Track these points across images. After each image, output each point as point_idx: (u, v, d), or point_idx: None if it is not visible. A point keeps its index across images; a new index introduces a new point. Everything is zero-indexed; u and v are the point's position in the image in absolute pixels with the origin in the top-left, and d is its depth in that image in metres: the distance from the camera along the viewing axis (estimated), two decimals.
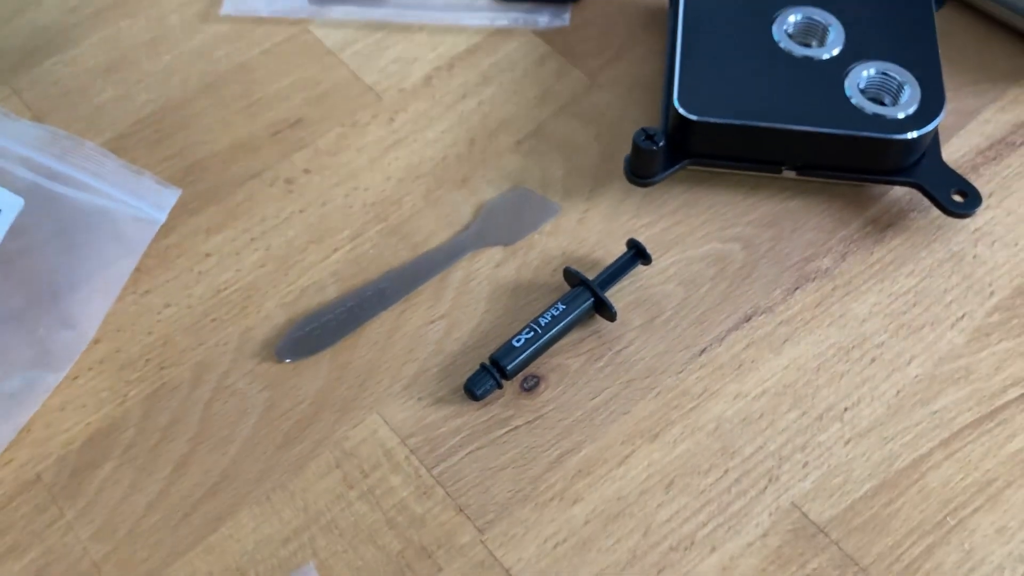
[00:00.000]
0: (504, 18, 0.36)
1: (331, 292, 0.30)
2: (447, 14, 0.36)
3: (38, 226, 0.30)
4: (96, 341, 0.29)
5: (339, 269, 0.30)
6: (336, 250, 0.31)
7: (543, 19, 0.36)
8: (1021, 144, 0.33)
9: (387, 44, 0.36)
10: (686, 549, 0.26)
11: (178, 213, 0.31)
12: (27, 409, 0.28)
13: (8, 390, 0.28)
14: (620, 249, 0.30)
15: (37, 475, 0.27)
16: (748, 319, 0.29)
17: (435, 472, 0.27)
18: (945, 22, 0.35)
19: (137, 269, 0.30)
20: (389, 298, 0.30)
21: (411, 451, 0.27)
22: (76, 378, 0.28)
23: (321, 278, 0.30)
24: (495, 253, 0.31)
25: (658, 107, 0.34)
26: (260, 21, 0.36)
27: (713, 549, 0.26)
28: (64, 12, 0.37)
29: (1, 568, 0.26)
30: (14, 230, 0.30)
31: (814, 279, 0.30)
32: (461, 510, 0.26)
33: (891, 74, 0.31)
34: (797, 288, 0.30)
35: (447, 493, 0.26)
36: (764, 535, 0.26)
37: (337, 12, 0.36)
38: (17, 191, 0.30)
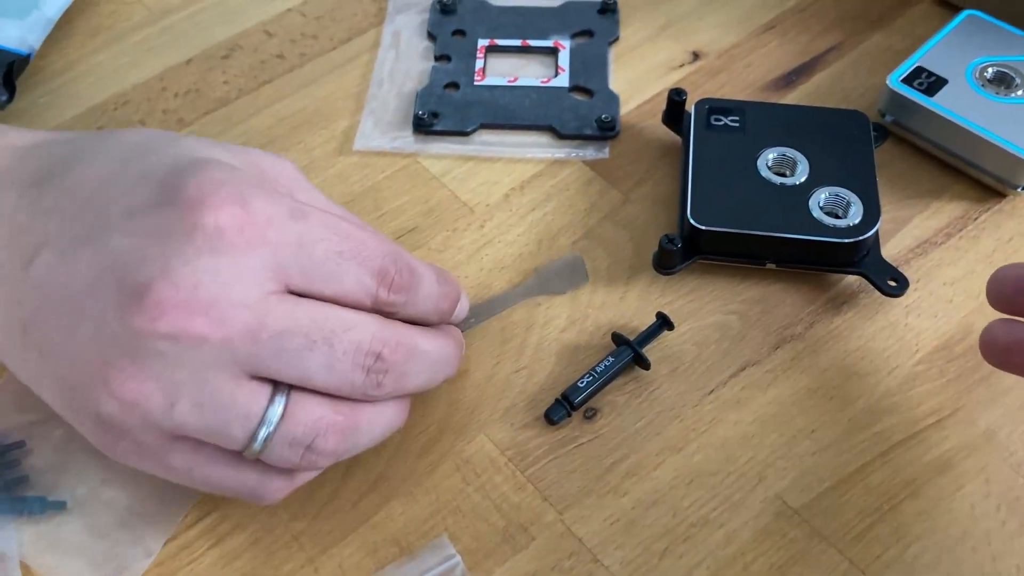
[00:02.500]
0: (560, 152, 0.49)
1: None
2: (517, 149, 0.49)
3: None
4: None
5: None
6: None
7: (589, 152, 0.49)
8: (940, 244, 0.45)
9: (475, 171, 0.48)
10: (702, 525, 0.37)
11: None
12: None
13: None
14: (651, 320, 0.42)
15: None
16: (743, 369, 0.41)
17: (526, 474, 0.38)
18: (885, 154, 0.48)
19: None
20: (473, 324, 0.42)
21: (508, 459, 0.39)
22: None
23: None
24: (561, 321, 0.43)
25: (674, 217, 0.46)
26: (382, 154, 0.49)
27: (721, 525, 0.37)
28: None
29: (231, 539, 0.37)
30: None
31: (790, 341, 0.42)
32: (545, 499, 0.38)
33: (841, 195, 0.43)
34: (778, 347, 0.42)
35: (535, 488, 0.38)
36: (756, 516, 0.37)
37: (437, 148, 0.49)
38: None
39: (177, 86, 0.52)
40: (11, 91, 0.49)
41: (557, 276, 0.43)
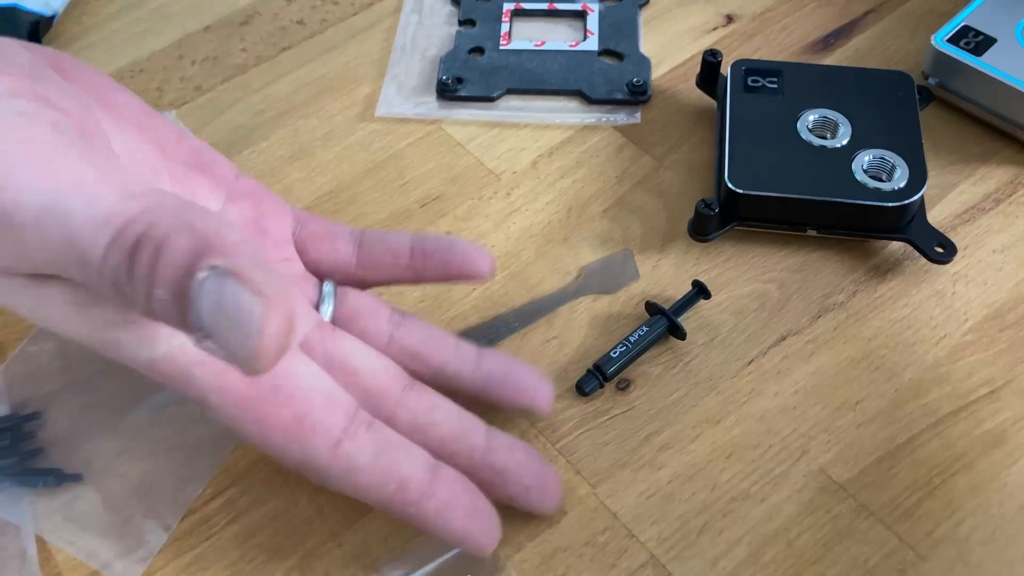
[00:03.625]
0: (590, 117, 0.47)
1: (473, 320, 0.40)
2: (546, 115, 0.47)
3: None
4: None
5: (478, 304, 0.41)
6: (474, 290, 0.41)
7: (620, 117, 0.47)
8: (989, 209, 0.43)
9: (502, 138, 0.47)
10: (743, 500, 0.35)
11: None
12: None
13: None
14: (686, 289, 0.40)
15: None
16: (783, 339, 0.39)
17: (558, 446, 0.37)
18: (929, 117, 0.46)
19: None
20: (515, 328, 0.40)
21: (539, 431, 0.37)
22: None
23: (465, 310, 0.41)
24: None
25: (709, 183, 0.44)
26: (405, 121, 0.48)
27: (762, 500, 0.35)
28: (253, 115, 0.48)
29: (251, 513, 0.36)
30: None
31: (832, 310, 0.40)
32: (578, 472, 0.36)
33: (886, 158, 0.41)
34: (819, 316, 0.40)
35: (567, 460, 0.36)
36: (799, 490, 0.35)
37: (461, 114, 0.47)
38: None
39: (194, 54, 0.51)
40: None
41: (606, 274, 0.41)
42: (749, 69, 0.45)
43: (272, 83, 0.49)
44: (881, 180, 0.41)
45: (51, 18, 0.50)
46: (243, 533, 0.35)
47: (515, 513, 0.35)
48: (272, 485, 0.36)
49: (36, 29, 0.49)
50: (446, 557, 0.34)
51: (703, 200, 0.40)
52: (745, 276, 0.41)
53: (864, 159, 0.41)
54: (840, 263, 0.41)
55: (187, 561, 0.35)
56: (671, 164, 0.45)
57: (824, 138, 0.42)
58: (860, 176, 0.40)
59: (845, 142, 0.42)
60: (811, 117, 0.43)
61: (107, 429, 0.37)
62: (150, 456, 0.37)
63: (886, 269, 0.41)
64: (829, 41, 0.50)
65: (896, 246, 0.42)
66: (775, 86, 0.44)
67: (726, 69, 0.46)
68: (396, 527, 0.35)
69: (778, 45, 0.50)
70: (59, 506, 0.36)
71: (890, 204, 0.40)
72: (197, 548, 0.35)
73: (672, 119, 0.47)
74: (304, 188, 0.45)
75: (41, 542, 0.35)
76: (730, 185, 0.40)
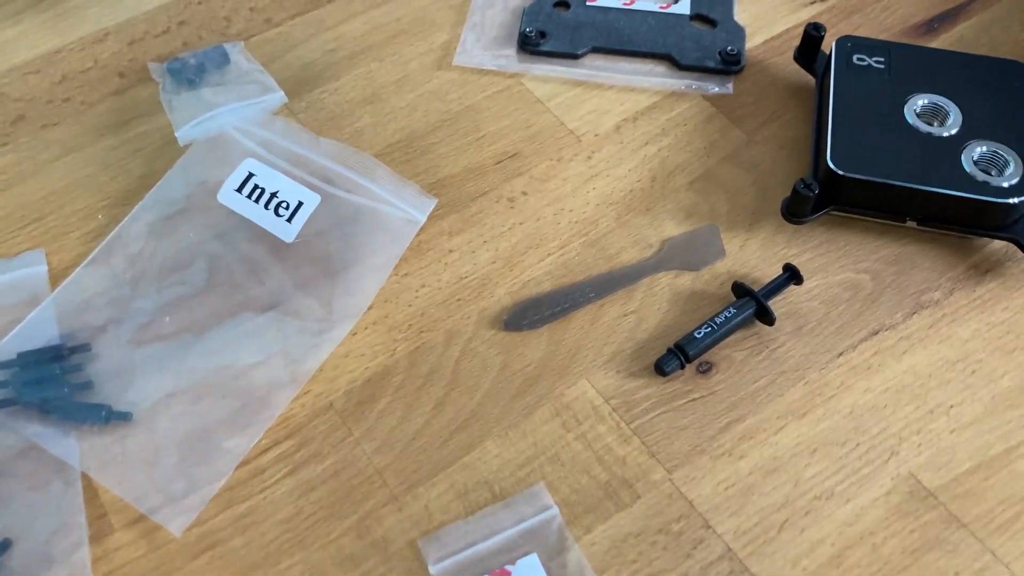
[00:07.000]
0: (679, 84, 0.45)
1: (546, 286, 0.38)
2: (632, 77, 0.45)
3: (328, 218, 0.39)
4: (370, 308, 0.37)
5: (551, 270, 0.39)
6: (548, 255, 0.39)
7: (711, 87, 0.44)
8: None
9: (584, 98, 0.44)
10: (827, 499, 0.33)
11: (427, 217, 0.40)
12: (321, 353, 0.36)
13: (307, 337, 0.37)
14: (773, 271, 0.38)
15: (330, 403, 0.35)
16: (876, 333, 0.37)
17: (632, 426, 0.35)
18: None
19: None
20: (591, 298, 0.38)
21: (613, 409, 0.35)
22: (356, 334, 0.37)
23: (538, 276, 0.39)
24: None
25: (802, 162, 0.42)
26: (483, 72, 0.45)
27: (848, 500, 0.33)
28: (324, 52, 0.46)
29: (308, 468, 0.34)
30: (311, 219, 0.38)
31: (927, 307, 0.38)
32: (653, 455, 0.34)
33: (999, 152, 0.39)
34: (914, 313, 0.38)
35: (642, 442, 0.34)
36: (887, 493, 0.33)
37: (542, 69, 0.45)
38: (314, 190, 0.39)
39: None
40: None
41: (690, 249, 0.39)
42: (855, 46, 0.42)
43: (346, 21, 0.47)
44: (991, 174, 0.38)
45: None
46: (299, 489, 0.33)
47: (585, 492, 0.33)
48: (331, 440, 0.34)
49: None
50: (511, 531, 0.32)
51: (802, 180, 0.38)
52: (838, 264, 0.39)
53: (975, 151, 0.39)
54: (937, 258, 0.39)
55: (239, 513, 0.33)
56: (762, 139, 0.43)
57: (931, 125, 0.40)
58: (969, 168, 0.38)
59: (955, 131, 0.39)
60: (919, 102, 0.40)
61: (160, 368, 0.36)
62: (204, 399, 0.35)
63: (986, 268, 0.39)
64: (932, 25, 0.47)
65: (998, 245, 0.39)
66: (882, 66, 0.41)
67: (827, 45, 0.43)
68: (459, 495, 0.33)
69: (878, 25, 0.47)
70: (107, 444, 0.34)
71: (1000, 200, 0.37)
72: (250, 500, 0.33)
73: (765, 92, 0.44)
74: (375, 134, 0.43)
75: (87, 480, 0.33)
76: (832, 167, 0.38)
